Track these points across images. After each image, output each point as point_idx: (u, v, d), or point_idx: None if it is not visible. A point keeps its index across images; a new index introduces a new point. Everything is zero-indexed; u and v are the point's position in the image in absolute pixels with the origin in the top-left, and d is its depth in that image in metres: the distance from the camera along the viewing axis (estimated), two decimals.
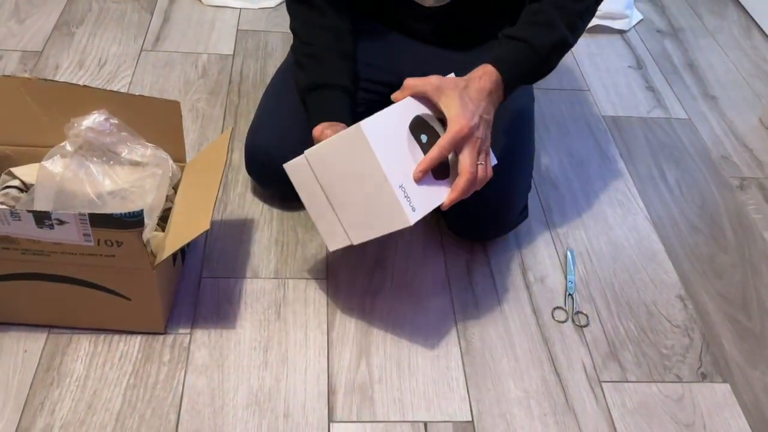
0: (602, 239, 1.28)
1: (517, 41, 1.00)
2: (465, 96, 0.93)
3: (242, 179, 1.31)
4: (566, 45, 1.03)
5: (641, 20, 1.89)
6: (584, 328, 1.12)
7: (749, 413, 1.03)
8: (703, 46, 1.83)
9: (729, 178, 1.44)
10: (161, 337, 1.04)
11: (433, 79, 0.94)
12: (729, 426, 1.02)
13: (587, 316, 1.14)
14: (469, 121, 0.91)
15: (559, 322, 1.13)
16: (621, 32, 1.84)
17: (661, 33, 1.87)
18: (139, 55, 1.60)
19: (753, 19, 1.93)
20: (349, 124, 1.08)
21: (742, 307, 1.19)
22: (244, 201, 1.27)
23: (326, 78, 1.12)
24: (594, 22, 1.81)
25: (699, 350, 1.11)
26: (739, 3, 1.99)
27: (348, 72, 1.15)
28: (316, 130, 1.03)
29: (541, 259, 1.22)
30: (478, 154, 0.93)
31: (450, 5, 1.17)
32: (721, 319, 1.16)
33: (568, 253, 1.23)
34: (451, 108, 0.92)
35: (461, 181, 0.92)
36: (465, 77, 0.97)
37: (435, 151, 0.91)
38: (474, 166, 0.92)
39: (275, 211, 1.25)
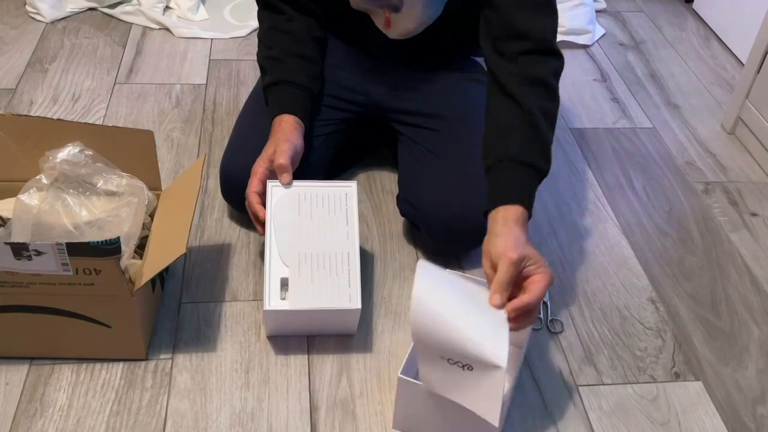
0: (574, 248, 1.31)
1: (519, 165, 0.98)
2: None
3: (218, 205, 1.33)
4: (550, 140, 1.03)
5: (604, 35, 1.95)
6: (559, 335, 1.15)
7: (722, 409, 1.06)
8: (664, 57, 1.89)
9: (694, 183, 1.48)
10: (143, 364, 1.05)
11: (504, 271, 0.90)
12: (703, 422, 1.04)
13: (562, 323, 1.17)
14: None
15: (534, 329, 1.15)
16: (585, 47, 1.90)
17: (624, 46, 1.93)
18: (113, 88, 1.62)
19: (711, 30, 1.99)
20: (304, 119, 1.16)
21: (711, 307, 1.22)
22: (221, 226, 1.29)
23: (284, 76, 1.18)
24: (559, 38, 1.85)
25: (671, 350, 1.14)
26: (698, 14, 2.06)
27: (306, 72, 1.20)
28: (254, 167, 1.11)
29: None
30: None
31: (409, 40, 1.20)
32: (692, 320, 1.20)
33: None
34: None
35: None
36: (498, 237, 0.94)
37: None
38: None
39: (252, 235, 1.27)
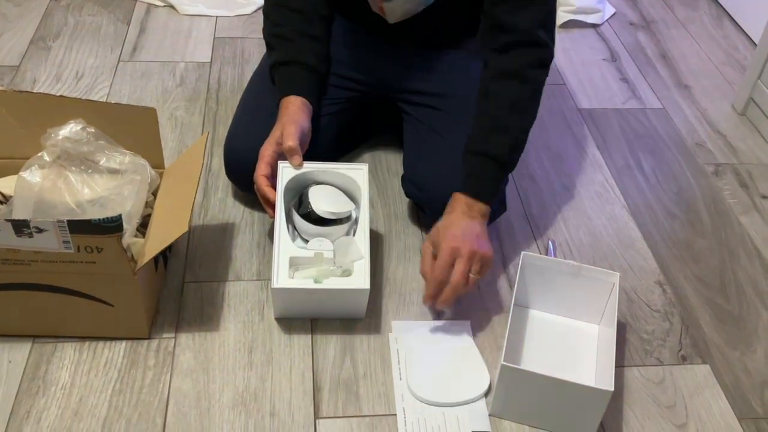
0: (581, 230, 1.30)
1: (478, 156, 1.07)
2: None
3: (222, 185, 1.32)
4: (525, 133, 1.10)
5: (614, 14, 1.92)
6: None
7: (729, 393, 1.05)
8: (675, 37, 1.86)
9: (704, 164, 1.46)
10: (146, 342, 1.04)
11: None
12: (710, 406, 1.03)
13: None
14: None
15: None
16: (594, 26, 1.87)
17: (634, 25, 1.90)
18: (117, 66, 1.61)
19: (723, 9, 1.96)
20: (312, 101, 1.17)
21: (720, 290, 1.21)
22: (224, 206, 1.28)
23: (293, 56, 1.17)
24: (567, 17, 1.84)
25: (679, 333, 1.13)
26: None
27: (315, 53, 1.19)
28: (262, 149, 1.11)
29: (522, 251, 1.23)
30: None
31: (412, 19, 1.19)
32: (700, 303, 1.18)
33: (550, 243, 1.24)
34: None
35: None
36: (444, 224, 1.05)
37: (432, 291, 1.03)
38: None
39: (256, 214, 1.26)
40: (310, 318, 1.09)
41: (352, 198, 1.13)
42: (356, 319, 1.10)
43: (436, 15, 1.18)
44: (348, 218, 1.11)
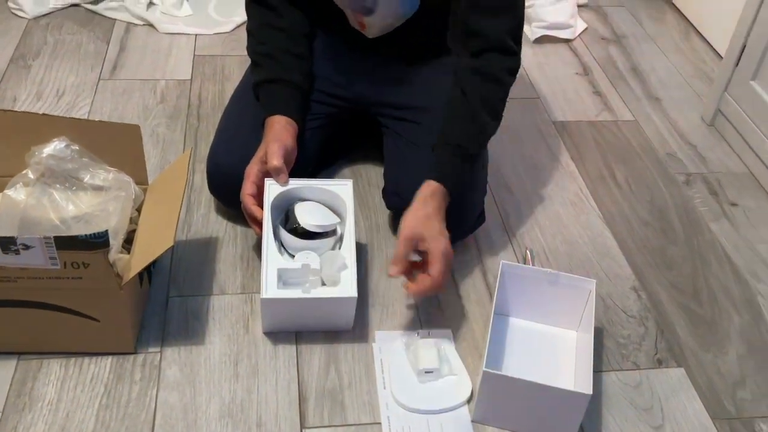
0: (558, 238, 1.33)
1: (448, 146, 1.11)
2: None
3: (205, 200, 1.33)
4: (485, 134, 1.16)
5: (586, 29, 1.97)
6: None
7: (703, 395, 1.08)
8: (645, 51, 1.91)
9: (675, 174, 1.51)
10: (132, 357, 1.05)
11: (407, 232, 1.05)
12: (685, 408, 1.06)
13: None
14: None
15: None
16: (567, 41, 1.92)
17: (605, 40, 1.95)
18: (97, 84, 1.62)
19: (691, 24, 2.02)
20: (296, 119, 1.19)
21: (693, 295, 1.24)
22: (207, 221, 1.29)
23: (279, 74, 1.20)
24: (541, 32, 1.89)
25: (654, 338, 1.16)
26: (677, 8, 2.09)
27: (300, 70, 1.22)
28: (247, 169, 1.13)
29: (501, 261, 1.26)
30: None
31: (391, 33, 1.22)
32: (674, 308, 1.22)
33: (528, 252, 1.27)
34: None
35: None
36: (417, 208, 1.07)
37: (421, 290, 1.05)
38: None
39: (239, 229, 1.28)
40: (297, 331, 1.11)
41: (337, 213, 1.16)
42: (343, 330, 1.12)
43: (414, 30, 1.22)
44: (334, 232, 1.14)
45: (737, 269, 1.30)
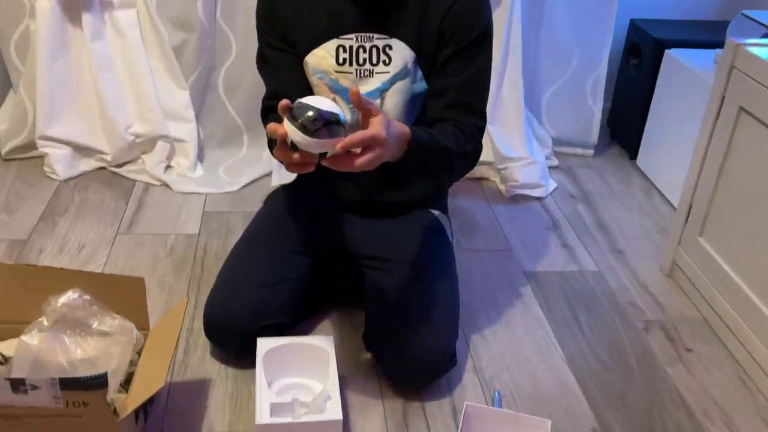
0: (525, 380, 1.44)
1: (427, 132, 1.24)
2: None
3: (201, 343, 1.47)
4: (451, 157, 1.28)
5: (556, 188, 2.17)
6: None
7: None
8: (610, 207, 2.09)
9: (635, 321, 1.63)
10: None
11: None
12: None
13: None
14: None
15: None
16: (539, 199, 2.11)
17: (574, 198, 2.14)
18: (114, 238, 1.81)
19: (653, 184, 2.22)
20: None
21: None
22: (202, 363, 1.43)
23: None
24: (514, 191, 2.08)
25: None
26: (641, 170, 2.29)
27: None
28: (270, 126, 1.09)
29: (470, 401, 1.37)
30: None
31: (363, 199, 1.41)
32: None
33: (496, 393, 1.38)
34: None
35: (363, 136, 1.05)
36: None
37: (355, 138, 1.04)
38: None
39: (230, 370, 1.41)
40: None
41: (320, 367, 1.32)
42: None
43: (389, 190, 1.41)
44: (340, 123, 1.06)
45: (691, 411, 1.39)
